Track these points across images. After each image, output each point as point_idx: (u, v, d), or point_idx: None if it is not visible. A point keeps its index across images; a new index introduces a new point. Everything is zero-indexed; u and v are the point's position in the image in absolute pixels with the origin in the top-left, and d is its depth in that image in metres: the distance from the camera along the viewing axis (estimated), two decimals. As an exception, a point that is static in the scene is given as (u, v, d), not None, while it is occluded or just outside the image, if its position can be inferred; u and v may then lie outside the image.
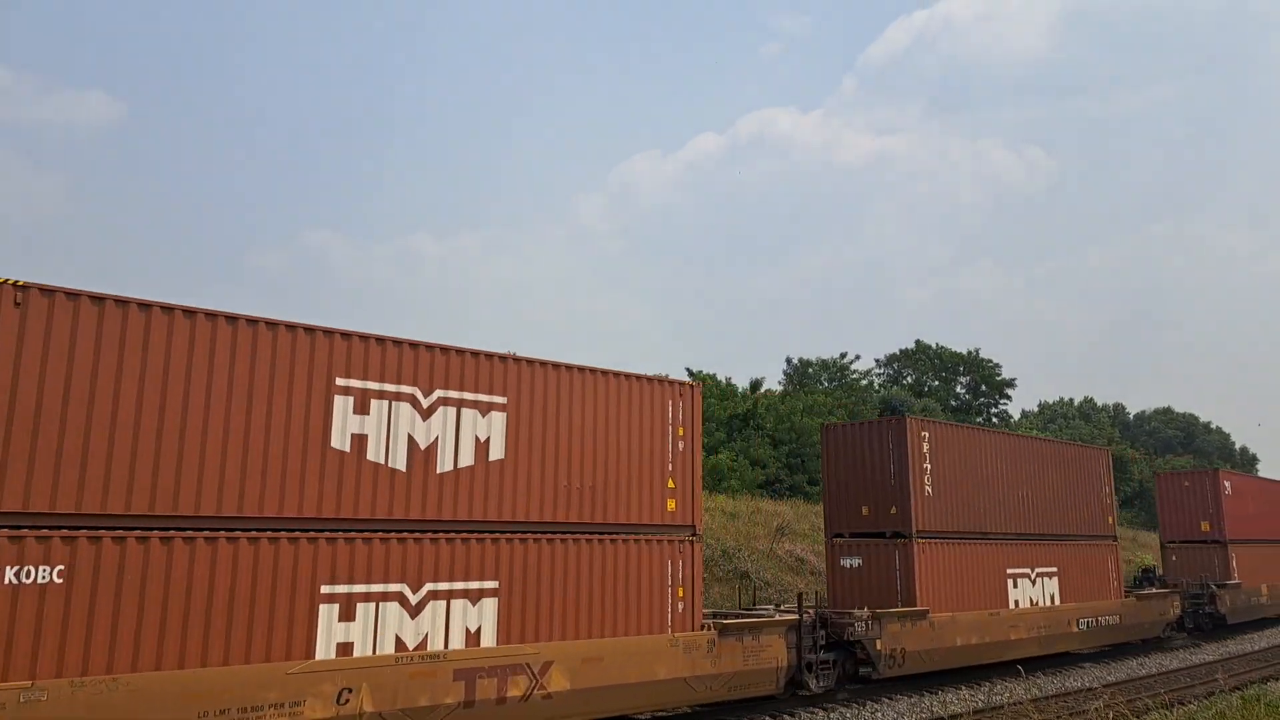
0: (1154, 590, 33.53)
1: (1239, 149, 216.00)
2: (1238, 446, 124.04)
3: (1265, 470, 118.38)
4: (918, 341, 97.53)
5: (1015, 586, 26.10)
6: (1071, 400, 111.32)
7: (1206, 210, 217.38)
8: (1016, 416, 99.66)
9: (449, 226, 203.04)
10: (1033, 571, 26.87)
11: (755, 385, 73.30)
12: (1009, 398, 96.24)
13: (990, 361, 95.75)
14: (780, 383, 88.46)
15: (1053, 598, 27.51)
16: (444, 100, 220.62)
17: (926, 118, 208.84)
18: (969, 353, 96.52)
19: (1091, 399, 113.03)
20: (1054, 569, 27.78)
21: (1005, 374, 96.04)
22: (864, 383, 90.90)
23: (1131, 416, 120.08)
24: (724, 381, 67.64)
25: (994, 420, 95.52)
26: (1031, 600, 26.63)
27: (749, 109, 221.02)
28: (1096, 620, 28.78)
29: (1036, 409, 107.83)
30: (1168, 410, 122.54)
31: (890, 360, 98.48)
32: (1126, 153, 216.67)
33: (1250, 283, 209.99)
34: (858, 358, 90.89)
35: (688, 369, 71.65)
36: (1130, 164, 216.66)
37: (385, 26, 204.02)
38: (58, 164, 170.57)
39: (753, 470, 52.66)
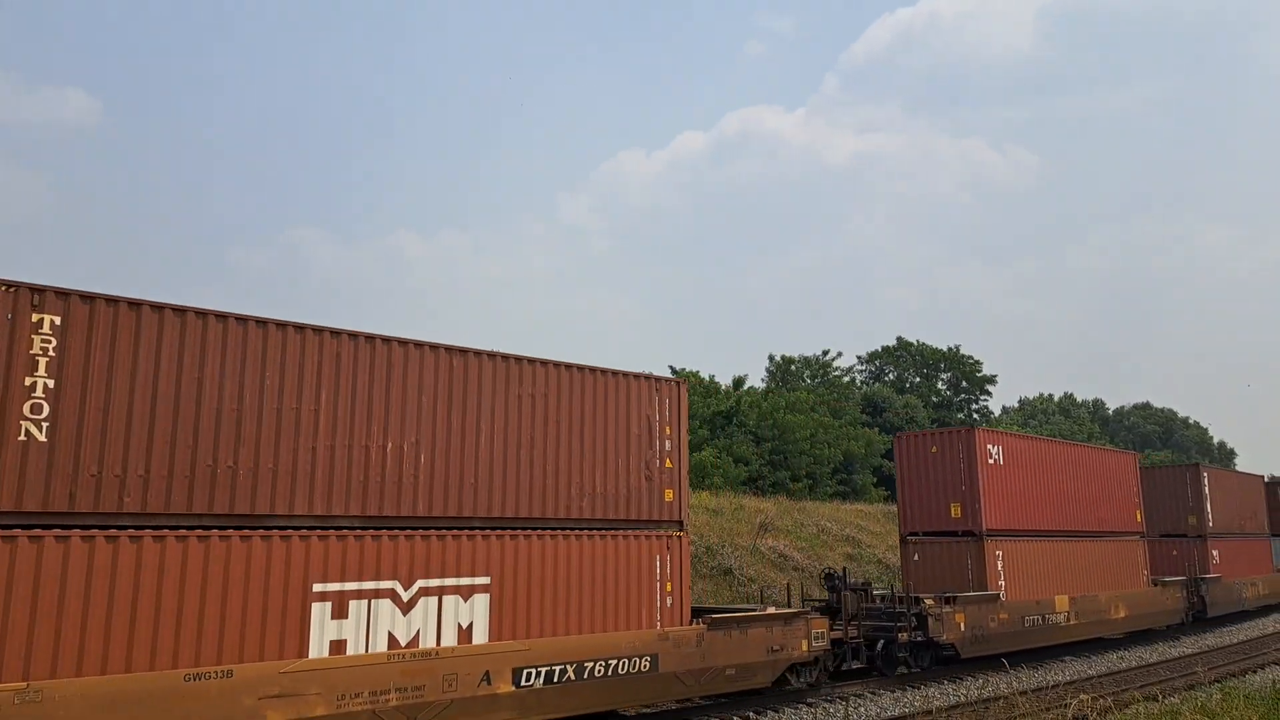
0: (766, 611, 16.62)
1: (1221, 148, 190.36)
2: (1216, 441, 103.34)
3: (1244, 468, 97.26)
4: (899, 338, 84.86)
5: (341, 618, 11.24)
6: (1051, 396, 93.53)
7: (1189, 208, 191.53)
8: (998, 412, 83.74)
9: (433, 224, 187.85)
10: (406, 589, 11.79)
11: (738, 383, 64.33)
12: (989, 394, 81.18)
13: (971, 358, 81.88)
14: (763, 380, 77.99)
15: (466, 633, 12.34)
16: (427, 98, 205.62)
17: (910, 116, 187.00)
18: (950, 349, 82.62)
19: (1071, 395, 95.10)
20: (482, 581, 12.52)
21: (986, 371, 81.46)
22: (846, 380, 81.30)
23: (1111, 412, 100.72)
24: (707, 379, 59.34)
25: (975, 417, 79.64)
26: (396, 640, 11.66)
27: (733, 107, 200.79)
28: (579, 669, 13.16)
29: (1017, 405, 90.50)
30: (1147, 405, 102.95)
31: (872, 357, 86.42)
32: (1110, 151, 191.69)
33: (1230, 279, 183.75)
34: (839, 355, 80.00)
35: (671, 366, 63.89)
36: (1113, 162, 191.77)
37: (369, 24, 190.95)
38: (39, 162, 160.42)
39: (735, 467, 46.02)
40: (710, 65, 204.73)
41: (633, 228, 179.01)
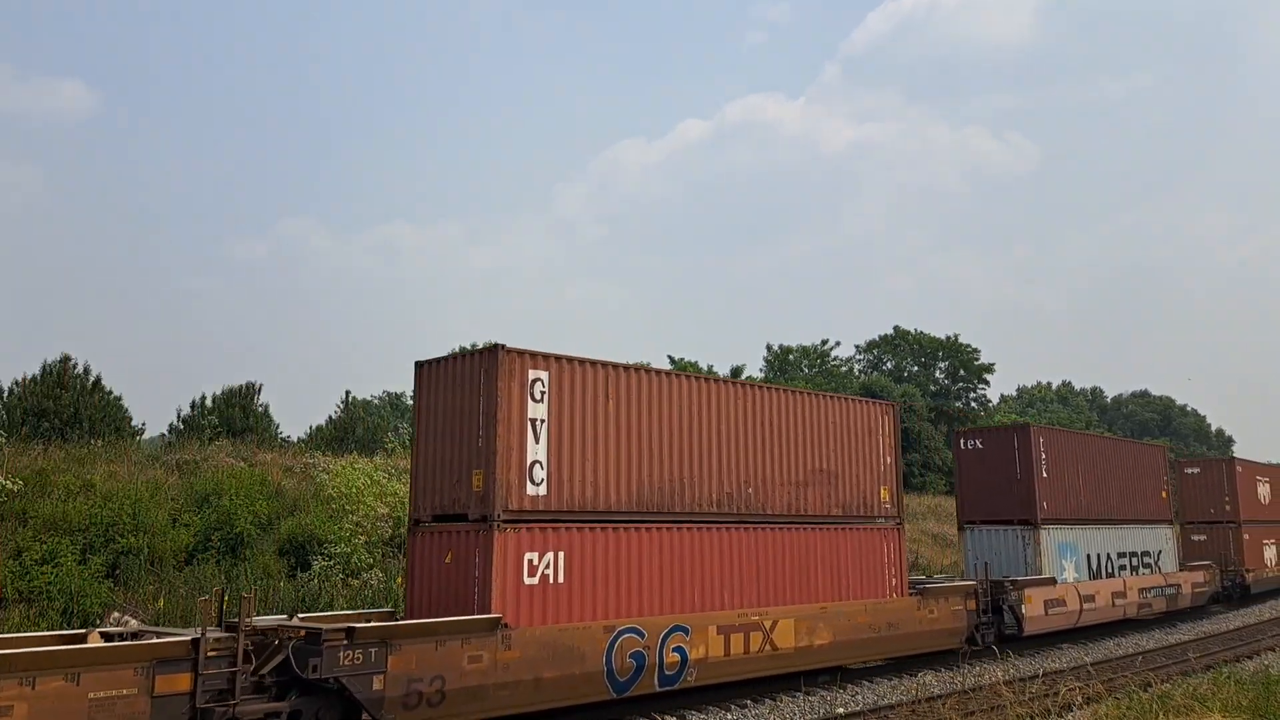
0: None
1: (1219, 135, 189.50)
2: (1214, 428, 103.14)
3: (1241, 456, 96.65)
4: (896, 328, 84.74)
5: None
6: (1050, 384, 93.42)
7: (1185, 194, 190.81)
8: (996, 401, 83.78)
9: (429, 215, 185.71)
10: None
11: (736, 372, 65.12)
12: (987, 382, 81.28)
13: (969, 346, 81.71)
14: (761, 370, 78.99)
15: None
16: (425, 88, 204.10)
17: (910, 104, 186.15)
18: (948, 338, 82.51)
19: (1070, 383, 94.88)
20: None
21: (985, 359, 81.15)
22: (844, 369, 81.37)
23: (1109, 399, 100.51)
24: (705, 369, 60.45)
25: (973, 405, 79.86)
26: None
27: (734, 96, 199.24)
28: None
29: (1015, 393, 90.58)
30: (1145, 393, 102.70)
31: (870, 346, 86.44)
32: (1108, 139, 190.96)
33: (1226, 266, 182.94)
34: (838, 344, 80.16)
35: (669, 356, 64.87)
36: (1112, 150, 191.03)
37: (366, 15, 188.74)
38: (34, 154, 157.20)
39: None
40: (711, 54, 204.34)
41: (631, 218, 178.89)
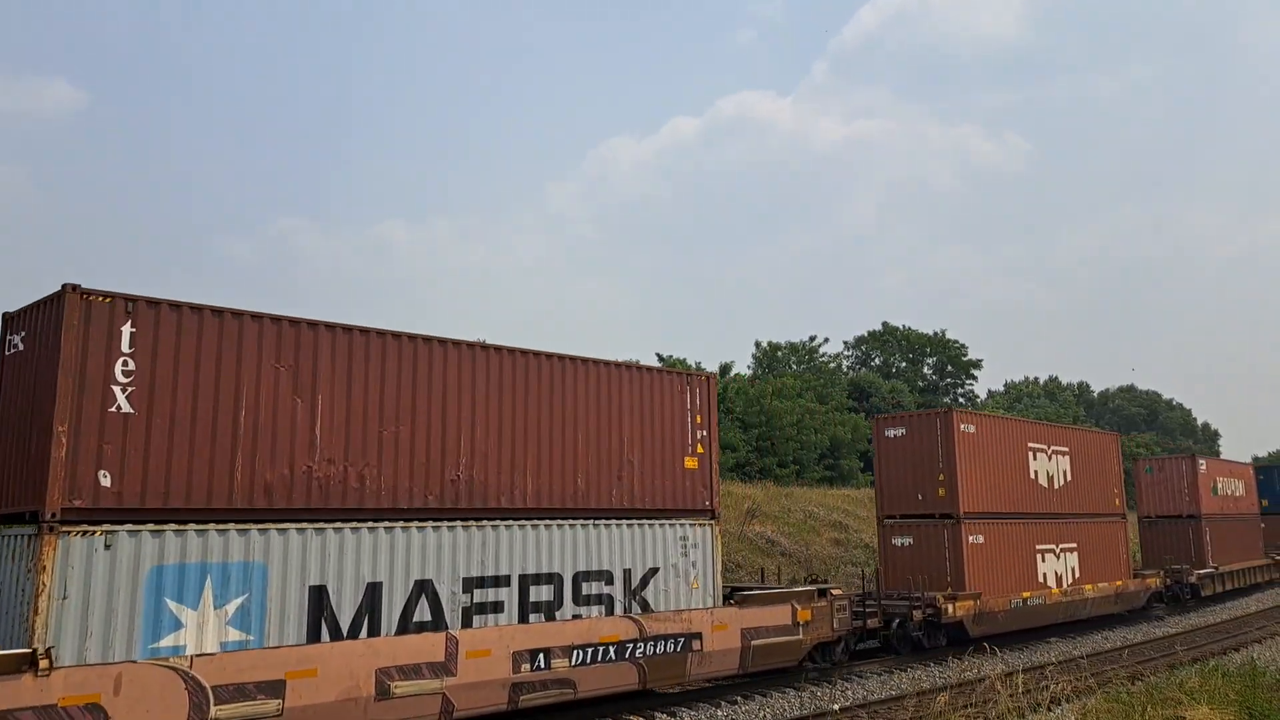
0: None
1: (1209, 131, 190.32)
2: (1200, 423, 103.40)
3: (1228, 451, 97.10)
4: (885, 323, 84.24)
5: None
6: (1037, 379, 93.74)
7: (1176, 191, 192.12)
8: (983, 396, 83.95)
9: (422, 213, 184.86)
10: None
11: (725, 369, 64.21)
12: (975, 378, 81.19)
13: (957, 342, 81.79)
14: (749, 367, 78.03)
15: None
16: (417, 86, 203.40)
17: (900, 101, 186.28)
18: (935, 334, 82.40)
19: (1056, 378, 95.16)
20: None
21: (973, 355, 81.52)
22: (833, 365, 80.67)
23: (1096, 395, 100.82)
24: (694, 366, 59.75)
25: (960, 400, 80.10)
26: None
27: (724, 93, 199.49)
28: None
29: (1003, 388, 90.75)
30: (1131, 388, 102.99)
31: (858, 343, 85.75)
32: (1098, 135, 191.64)
33: (1216, 262, 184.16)
34: (826, 341, 79.15)
35: (658, 354, 64.06)
36: (1102, 147, 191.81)
37: (356, 11, 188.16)
38: (21, 154, 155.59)
39: (722, 454, 45.22)
40: (700, 51, 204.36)
41: (620, 215, 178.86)
